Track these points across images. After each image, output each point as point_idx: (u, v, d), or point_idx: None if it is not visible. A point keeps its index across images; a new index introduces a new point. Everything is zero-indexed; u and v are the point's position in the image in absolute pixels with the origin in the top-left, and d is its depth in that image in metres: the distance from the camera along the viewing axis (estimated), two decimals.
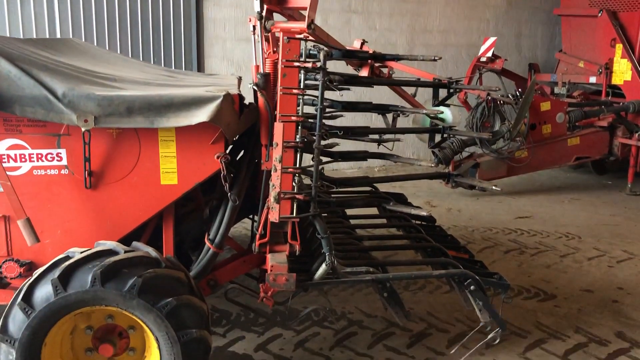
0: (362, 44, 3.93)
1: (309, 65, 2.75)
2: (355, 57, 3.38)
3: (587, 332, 3.88)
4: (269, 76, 2.93)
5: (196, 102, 2.75)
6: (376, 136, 3.80)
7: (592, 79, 8.88)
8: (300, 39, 2.70)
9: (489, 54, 8.31)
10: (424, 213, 3.11)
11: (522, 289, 4.58)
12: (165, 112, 2.74)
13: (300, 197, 2.88)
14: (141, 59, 7.58)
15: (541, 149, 7.70)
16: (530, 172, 8.01)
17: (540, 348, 3.68)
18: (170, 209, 3.03)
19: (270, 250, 3.05)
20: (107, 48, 7.28)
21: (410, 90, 4.42)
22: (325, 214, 4.02)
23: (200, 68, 8.03)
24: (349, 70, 4.28)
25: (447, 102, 4.44)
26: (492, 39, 8.28)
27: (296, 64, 2.77)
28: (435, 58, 3.29)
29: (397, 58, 3.59)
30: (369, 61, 3.81)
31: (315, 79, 3.03)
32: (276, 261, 2.94)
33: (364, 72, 3.84)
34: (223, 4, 8.12)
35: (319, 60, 2.76)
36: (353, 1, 9.11)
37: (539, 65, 9.97)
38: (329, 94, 3.48)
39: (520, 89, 8.02)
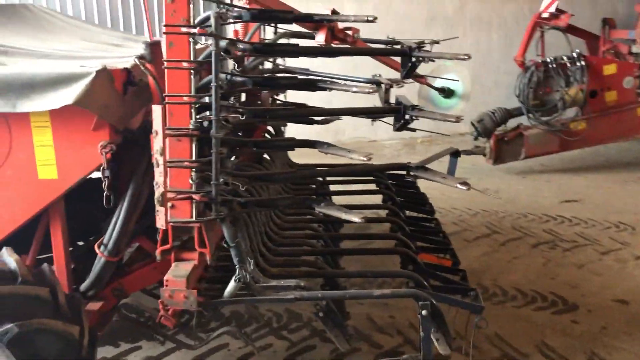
0: (333, 13, 3.22)
1: (195, 30, 2.14)
2: (275, 18, 2.68)
3: None
4: (158, 45, 2.35)
5: (62, 81, 2.23)
6: None
7: None
8: None
9: (552, 9, 7.22)
10: (355, 219, 2.39)
11: (537, 296, 3.80)
12: (29, 93, 2.25)
13: (197, 197, 2.31)
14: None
15: (603, 119, 6.61)
16: (588, 147, 6.94)
17: None
18: (58, 208, 2.56)
19: (176, 258, 2.53)
20: None
21: None
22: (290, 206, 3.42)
23: None
24: None
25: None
26: None
27: (183, 29, 2.17)
28: (369, 18, 2.51)
29: (326, 19, 2.85)
30: (325, 26, 3.11)
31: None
32: (173, 274, 2.41)
33: (321, 36, 3.14)
34: None
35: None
36: None
37: (614, 20, 8.62)
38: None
39: (579, 51, 6.84)
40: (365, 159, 2.29)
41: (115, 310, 2.85)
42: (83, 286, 2.60)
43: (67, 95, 2.22)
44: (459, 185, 2.37)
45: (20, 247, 2.64)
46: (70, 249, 2.81)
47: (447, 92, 4.33)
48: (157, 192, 2.29)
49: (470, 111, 8.79)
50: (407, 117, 2.69)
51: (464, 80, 4.17)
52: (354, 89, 2.57)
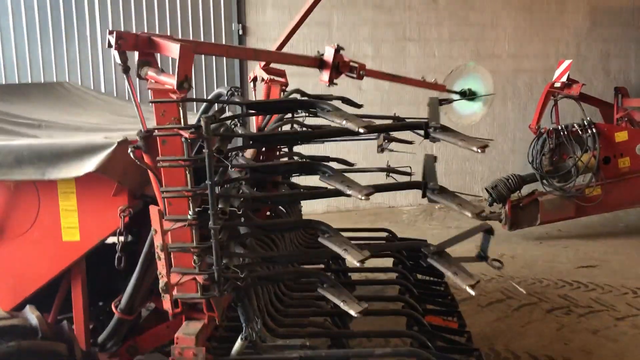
0: (337, 50, 3.41)
1: (186, 135, 2.17)
2: (272, 110, 2.82)
3: None
4: (151, 136, 2.33)
5: (87, 151, 2.46)
6: None
7: None
8: (174, 101, 2.18)
9: (564, 79, 7.43)
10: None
11: None
12: (57, 162, 2.48)
13: (200, 279, 2.42)
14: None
15: (617, 185, 6.65)
16: (604, 213, 6.95)
17: None
18: (79, 269, 2.73)
19: (187, 317, 2.65)
20: None
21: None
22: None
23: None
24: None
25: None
26: (567, 62, 7.42)
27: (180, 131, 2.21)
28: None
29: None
30: (330, 63, 3.32)
31: None
32: (184, 332, 2.53)
33: (325, 76, 3.35)
34: (266, 39, 7.97)
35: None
36: (408, 28, 8.62)
37: (626, 89, 8.79)
38: None
39: (590, 119, 6.97)
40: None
41: None
42: (100, 339, 2.73)
43: (90, 164, 2.44)
44: (468, 289, 2.26)
45: (44, 306, 2.83)
46: (92, 308, 2.97)
47: (469, 95, 4.32)
48: (161, 282, 2.43)
49: (488, 177, 8.96)
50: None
51: (486, 82, 4.17)
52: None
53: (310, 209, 7.40)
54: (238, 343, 2.57)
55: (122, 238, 2.52)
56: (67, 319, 2.77)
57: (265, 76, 4.17)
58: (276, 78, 4.21)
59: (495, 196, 6.65)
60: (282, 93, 4.17)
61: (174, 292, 2.47)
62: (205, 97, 3.89)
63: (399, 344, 3.70)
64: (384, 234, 4.48)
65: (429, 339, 2.83)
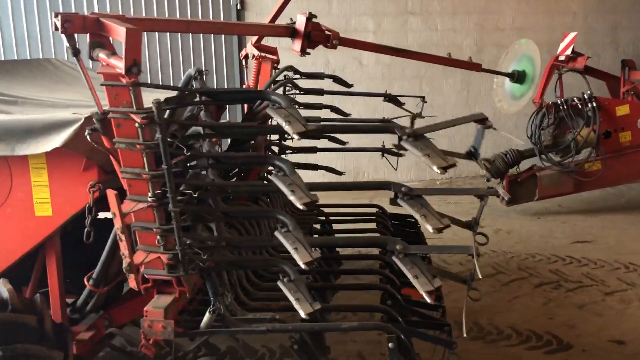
0: (309, 18, 3.31)
1: (138, 120, 2.13)
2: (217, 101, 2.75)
3: None
4: (106, 118, 2.26)
5: (55, 127, 2.48)
6: None
7: None
8: (123, 85, 2.13)
9: (568, 52, 7.30)
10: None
11: (532, 335, 3.79)
12: (26, 137, 2.51)
13: (164, 258, 2.44)
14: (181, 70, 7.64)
15: (618, 160, 6.56)
16: (604, 188, 6.88)
17: None
18: (53, 243, 2.77)
19: (159, 291, 2.69)
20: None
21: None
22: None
23: (242, 81, 7.87)
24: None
25: None
26: (571, 35, 7.29)
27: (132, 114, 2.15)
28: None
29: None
30: (301, 32, 3.26)
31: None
32: (153, 305, 2.56)
33: (297, 45, 3.27)
34: (265, 14, 7.91)
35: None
36: (410, 1, 8.49)
37: (634, 62, 8.61)
38: None
39: (590, 92, 6.84)
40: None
41: (107, 340, 3.01)
42: (69, 311, 2.78)
43: (58, 139, 2.46)
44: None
45: (22, 281, 2.89)
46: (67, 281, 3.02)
47: (518, 77, 4.27)
48: (125, 263, 2.46)
49: (492, 153, 8.87)
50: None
51: (535, 60, 4.09)
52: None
53: (315, 178, 7.40)
54: (206, 316, 2.60)
55: (91, 212, 2.55)
56: (44, 293, 2.83)
57: (256, 53, 4.15)
58: (267, 55, 4.19)
59: (493, 171, 6.59)
60: (273, 70, 4.14)
61: (142, 268, 2.50)
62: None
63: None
64: (374, 210, 4.48)
65: (401, 314, 2.84)
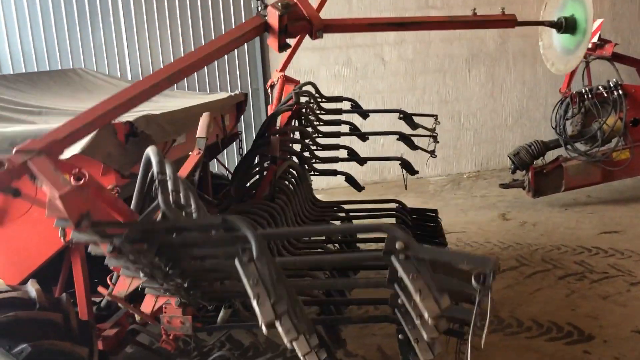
0: (282, 15, 2.76)
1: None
2: None
3: None
4: None
5: None
6: None
7: None
8: None
9: (595, 39, 7.18)
10: None
11: (553, 327, 3.78)
12: None
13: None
14: (206, 73, 7.82)
15: None
16: (633, 177, 6.74)
17: None
18: (78, 245, 2.92)
19: None
20: None
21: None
22: None
23: (266, 81, 7.99)
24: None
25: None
26: (598, 21, 7.16)
27: None
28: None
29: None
30: (275, 28, 3.13)
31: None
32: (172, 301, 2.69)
33: (273, 43, 2.83)
34: None
35: None
36: None
37: None
38: None
39: (616, 80, 6.72)
40: None
41: (130, 336, 3.14)
42: (95, 309, 2.92)
43: (76, 146, 2.59)
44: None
45: (53, 282, 3.06)
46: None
47: (566, 25, 3.37)
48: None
49: (515, 145, 8.78)
50: None
51: (586, 5, 3.27)
52: None
53: (336, 182, 7.43)
54: (222, 312, 2.71)
55: None
56: (72, 293, 2.98)
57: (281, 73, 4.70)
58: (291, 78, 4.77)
59: (517, 163, 6.54)
60: None
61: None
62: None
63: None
64: (394, 205, 4.53)
65: None
